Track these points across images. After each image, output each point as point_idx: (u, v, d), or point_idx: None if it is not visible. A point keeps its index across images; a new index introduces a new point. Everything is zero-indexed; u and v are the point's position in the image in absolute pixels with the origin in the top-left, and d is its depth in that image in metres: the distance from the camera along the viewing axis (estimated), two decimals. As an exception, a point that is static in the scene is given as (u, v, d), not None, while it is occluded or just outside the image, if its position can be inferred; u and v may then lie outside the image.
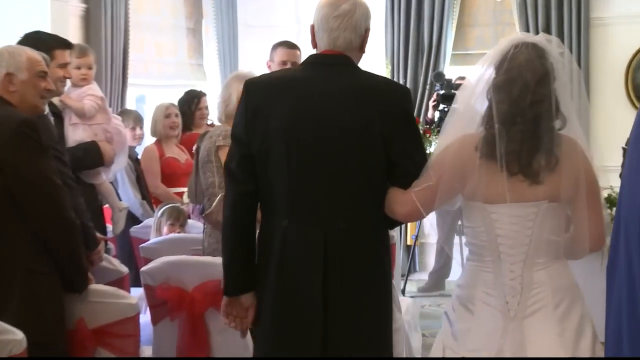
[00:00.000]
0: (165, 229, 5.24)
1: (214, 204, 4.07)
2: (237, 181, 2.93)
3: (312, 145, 2.85)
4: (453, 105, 3.02)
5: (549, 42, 2.82)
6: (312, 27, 2.98)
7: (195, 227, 5.28)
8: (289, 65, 5.23)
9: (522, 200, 2.78)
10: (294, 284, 2.87)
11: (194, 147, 5.51)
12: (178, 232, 5.24)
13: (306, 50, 9.85)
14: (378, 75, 3.02)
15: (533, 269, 2.81)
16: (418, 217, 2.97)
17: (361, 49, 2.98)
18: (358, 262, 2.88)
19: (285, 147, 2.85)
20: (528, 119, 2.75)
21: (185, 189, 6.08)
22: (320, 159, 2.85)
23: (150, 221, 5.72)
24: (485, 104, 2.81)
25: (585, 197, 2.79)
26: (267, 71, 5.33)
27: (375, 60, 8.41)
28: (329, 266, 2.85)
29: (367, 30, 2.98)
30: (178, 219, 5.31)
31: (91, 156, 4.76)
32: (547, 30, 8.06)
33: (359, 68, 2.97)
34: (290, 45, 5.39)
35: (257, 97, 2.91)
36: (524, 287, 2.81)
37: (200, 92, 7.18)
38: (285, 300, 2.89)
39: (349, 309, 2.88)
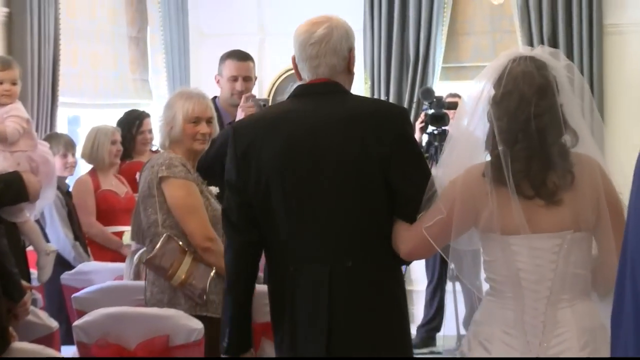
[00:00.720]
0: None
1: (157, 246, 4.08)
2: (239, 231, 3.24)
3: (308, 181, 3.15)
4: (450, 132, 3.25)
5: (551, 55, 3.04)
6: (293, 59, 3.26)
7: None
8: (239, 81, 5.29)
9: (545, 230, 2.97)
10: (304, 331, 3.16)
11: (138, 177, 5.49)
12: None
13: (269, 62, 9.75)
14: (371, 99, 3.24)
15: (557, 306, 2.99)
16: (425, 253, 3.26)
17: (349, 72, 3.27)
18: (367, 301, 3.16)
19: (281, 188, 3.15)
20: (531, 134, 2.95)
21: (125, 228, 6.08)
22: (319, 195, 3.14)
23: (85, 266, 5.70)
24: (488, 126, 3.04)
25: (608, 219, 2.95)
26: (217, 88, 5.36)
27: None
28: (334, 308, 3.12)
29: (350, 51, 3.25)
30: None
31: (14, 190, 4.73)
32: (554, 38, 8.16)
33: (350, 93, 3.27)
34: (242, 57, 5.40)
35: (246, 139, 3.22)
36: (547, 326, 2.98)
37: (143, 112, 7.21)
38: (298, 348, 3.18)
39: (359, 353, 3.15)
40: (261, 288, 4.28)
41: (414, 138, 3.32)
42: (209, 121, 4.28)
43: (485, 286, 3.14)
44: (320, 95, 3.22)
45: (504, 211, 2.96)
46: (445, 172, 3.12)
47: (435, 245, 3.06)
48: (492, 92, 3.02)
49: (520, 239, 2.97)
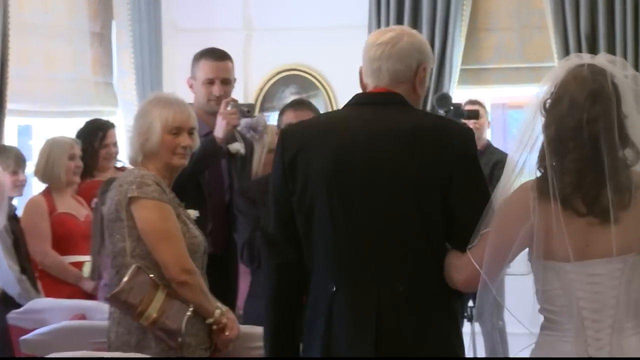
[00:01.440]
0: None
1: (125, 279, 4.05)
2: (275, 249, 3.50)
3: (359, 196, 3.37)
4: (511, 155, 3.41)
5: (614, 64, 3.22)
6: (361, 69, 3.54)
7: (100, 311, 5.25)
8: (217, 85, 5.28)
9: (603, 254, 3.13)
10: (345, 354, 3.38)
11: (93, 201, 5.45)
12: None
13: (256, 63, 9.71)
14: (434, 114, 3.59)
15: (623, 334, 3.15)
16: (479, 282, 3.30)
17: (414, 89, 3.48)
18: (418, 333, 3.36)
19: (329, 200, 3.38)
20: (582, 143, 3.12)
21: (86, 258, 6.07)
22: (370, 211, 3.36)
23: (36, 304, 5.66)
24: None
25: None
26: (188, 92, 5.32)
27: (356, 77, 8.43)
28: (381, 335, 3.33)
29: (420, 67, 3.48)
30: None
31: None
32: (593, 36, 8.18)
33: (411, 107, 3.49)
34: (218, 56, 5.37)
35: (295, 145, 3.46)
36: (613, 357, 3.13)
37: (107, 122, 7.21)
38: None
39: None
40: (246, 329, 4.29)
41: (478, 161, 3.49)
42: (190, 132, 4.29)
43: (539, 318, 3.27)
44: (379, 106, 3.44)
45: (553, 233, 3.13)
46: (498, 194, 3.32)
47: (481, 271, 3.22)
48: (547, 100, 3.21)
49: (577, 265, 3.13)
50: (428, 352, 3.36)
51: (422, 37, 3.57)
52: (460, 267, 3.32)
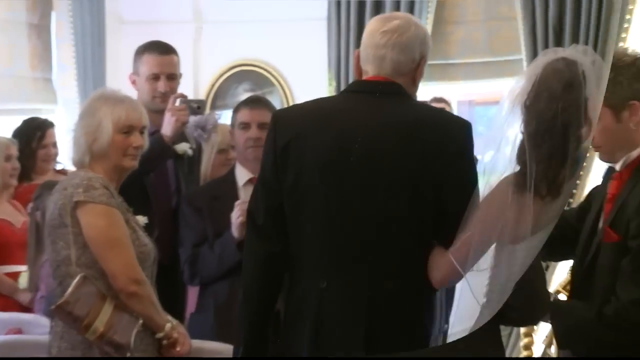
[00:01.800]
0: None
1: (69, 290, 4.01)
2: (264, 238, 3.61)
3: (354, 189, 3.48)
4: (484, 153, 3.58)
5: (579, 52, 3.47)
6: (357, 54, 3.66)
7: (39, 325, 5.21)
8: (162, 80, 5.29)
9: (542, 228, 3.37)
10: (334, 352, 3.49)
11: (29, 206, 5.38)
12: None
13: (207, 57, 9.64)
14: (433, 107, 3.82)
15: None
16: (456, 279, 3.52)
17: (413, 81, 3.63)
18: (407, 330, 3.51)
19: (323, 191, 3.50)
20: (556, 132, 3.35)
21: (22, 268, 6.02)
22: (364, 205, 3.47)
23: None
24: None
25: None
26: (132, 89, 5.28)
27: (315, 74, 8.44)
28: (372, 333, 3.47)
29: (422, 59, 3.63)
30: None
31: None
32: (560, 26, 8.20)
33: (410, 98, 3.64)
34: (163, 50, 5.36)
35: (289, 131, 3.56)
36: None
37: (46, 121, 7.17)
38: None
39: None
40: (197, 344, 4.26)
41: (474, 158, 3.60)
42: (141, 132, 4.28)
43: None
44: (378, 95, 3.55)
45: (524, 220, 3.35)
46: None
47: (462, 270, 3.40)
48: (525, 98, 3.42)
49: (526, 242, 3.37)
50: (416, 341, 3.49)
51: (427, 30, 3.69)
52: (440, 265, 3.47)
